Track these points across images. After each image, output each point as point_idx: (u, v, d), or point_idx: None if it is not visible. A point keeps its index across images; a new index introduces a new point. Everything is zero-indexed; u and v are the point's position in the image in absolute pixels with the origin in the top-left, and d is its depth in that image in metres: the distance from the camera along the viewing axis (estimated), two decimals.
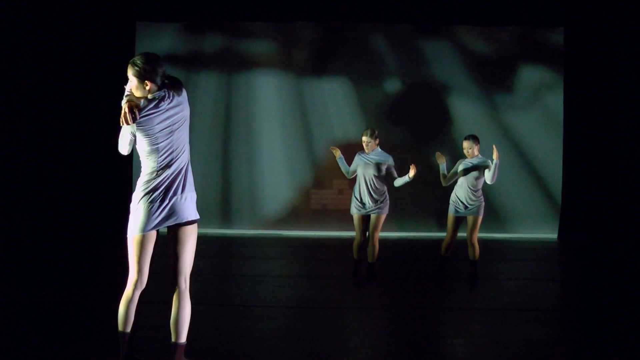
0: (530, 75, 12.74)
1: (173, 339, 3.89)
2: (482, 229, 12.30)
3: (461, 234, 7.90)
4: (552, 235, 12.48)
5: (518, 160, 12.65)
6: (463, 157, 7.76)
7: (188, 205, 3.93)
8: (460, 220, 7.64)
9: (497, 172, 7.41)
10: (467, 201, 7.51)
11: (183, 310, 3.89)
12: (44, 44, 11.73)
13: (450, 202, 7.67)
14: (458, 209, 7.57)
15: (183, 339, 3.90)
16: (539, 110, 12.69)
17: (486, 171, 7.47)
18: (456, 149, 11.32)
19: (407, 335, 5.28)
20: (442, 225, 10.92)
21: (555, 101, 12.61)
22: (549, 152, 12.58)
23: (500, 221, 12.64)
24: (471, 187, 7.50)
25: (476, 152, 7.55)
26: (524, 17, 12.61)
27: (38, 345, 4.67)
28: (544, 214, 12.62)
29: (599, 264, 9.72)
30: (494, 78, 12.72)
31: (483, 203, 7.61)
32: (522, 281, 8.04)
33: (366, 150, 7.56)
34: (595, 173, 12.28)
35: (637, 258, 10.07)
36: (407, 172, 7.47)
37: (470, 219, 7.56)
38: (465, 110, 12.64)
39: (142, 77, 3.87)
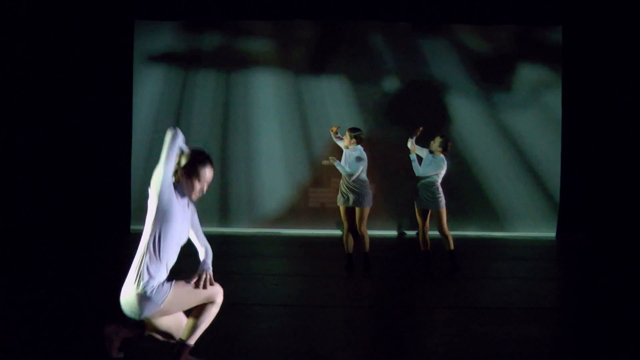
0: (528, 74, 12.74)
1: (183, 337, 3.84)
2: (480, 228, 12.46)
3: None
4: (550, 233, 12.49)
5: (516, 159, 12.65)
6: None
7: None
8: (425, 213, 8.07)
9: (414, 165, 8.00)
10: (423, 195, 8.01)
11: (206, 316, 3.84)
12: (42, 42, 11.72)
13: (415, 195, 8.15)
14: (419, 202, 8.06)
15: (192, 341, 3.85)
16: (537, 109, 12.68)
17: None
18: (454, 147, 11.33)
19: (404, 334, 5.28)
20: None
21: (554, 99, 12.60)
22: (547, 151, 12.58)
23: (499, 220, 12.65)
24: (425, 183, 7.99)
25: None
26: (523, 16, 12.61)
27: (38, 345, 4.67)
28: (542, 212, 12.62)
29: (597, 262, 9.73)
30: (492, 76, 12.71)
31: (441, 197, 7.99)
32: (520, 279, 8.04)
33: (348, 146, 7.96)
34: (594, 171, 12.28)
35: (635, 256, 10.08)
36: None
37: (433, 213, 8.02)
38: (464, 108, 12.64)
39: None
